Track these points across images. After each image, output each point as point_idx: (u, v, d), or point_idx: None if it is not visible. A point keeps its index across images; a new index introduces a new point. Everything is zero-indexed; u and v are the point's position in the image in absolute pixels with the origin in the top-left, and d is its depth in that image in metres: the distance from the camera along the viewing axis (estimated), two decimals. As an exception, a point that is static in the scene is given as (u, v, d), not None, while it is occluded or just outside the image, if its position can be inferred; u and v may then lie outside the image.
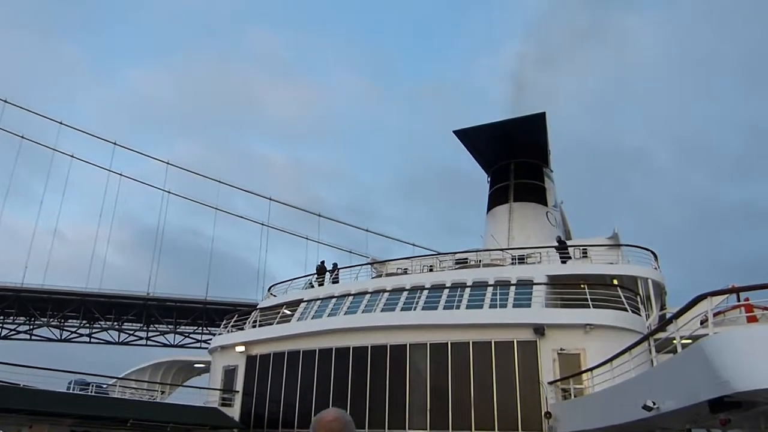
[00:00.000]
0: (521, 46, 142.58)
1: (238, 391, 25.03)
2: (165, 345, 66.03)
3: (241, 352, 25.58)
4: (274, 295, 30.51)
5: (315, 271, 30.19)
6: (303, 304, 26.55)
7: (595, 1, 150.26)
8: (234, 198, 72.31)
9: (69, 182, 65.14)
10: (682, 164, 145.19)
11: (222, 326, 29.39)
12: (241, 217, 67.80)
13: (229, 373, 25.77)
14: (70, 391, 22.05)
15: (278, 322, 25.87)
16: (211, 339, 64.35)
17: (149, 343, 66.05)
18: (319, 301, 26.00)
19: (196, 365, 31.07)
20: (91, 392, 22.70)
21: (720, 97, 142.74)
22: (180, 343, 66.41)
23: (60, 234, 65.78)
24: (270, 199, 67.59)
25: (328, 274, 29.77)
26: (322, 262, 30.63)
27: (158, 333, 66.21)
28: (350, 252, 65.88)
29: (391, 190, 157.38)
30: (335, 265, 30.36)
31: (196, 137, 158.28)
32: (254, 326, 26.69)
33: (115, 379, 25.82)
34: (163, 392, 27.87)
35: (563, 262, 25.60)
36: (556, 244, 26.72)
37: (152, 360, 31.17)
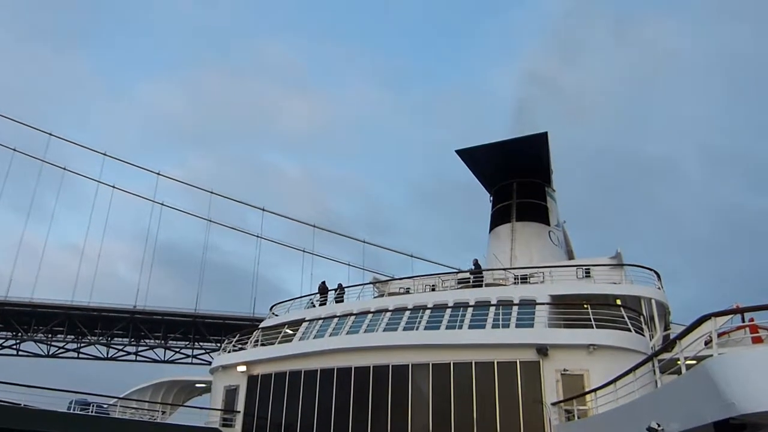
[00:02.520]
0: (540, 50, 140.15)
1: (239, 412, 24.85)
2: (155, 361, 65.08)
3: (242, 372, 25.44)
4: (276, 315, 30.42)
5: (317, 290, 30.13)
6: (305, 324, 26.46)
7: (619, 0, 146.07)
8: (246, 212, 71.63)
9: (85, 197, 65.25)
10: (710, 173, 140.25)
11: (223, 345, 29.28)
12: (235, 228, 67.45)
13: (230, 394, 25.60)
14: (72, 411, 21.93)
15: (280, 342, 25.77)
16: (202, 354, 64.32)
17: (139, 358, 64.88)
18: (320, 321, 25.92)
19: (197, 385, 30.87)
20: (92, 412, 22.57)
21: (750, 101, 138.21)
22: (170, 359, 65.36)
23: (76, 249, 65.36)
24: (263, 209, 67.33)
25: (330, 294, 29.68)
26: (323, 282, 30.56)
27: (147, 347, 64.85)
28: (348, 264, 65.85)
29: (407, 203, 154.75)
30: (340, 285, 30.30)
31: (210, 151, 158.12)
32: (255, 346, 26.59)
33: (115, 399, 25.66)
34: (164, 412, 27.66)
35: (477, 286, 26.22)
36: (561, 263, 26.73)
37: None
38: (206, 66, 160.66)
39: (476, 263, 28.49)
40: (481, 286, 26.32)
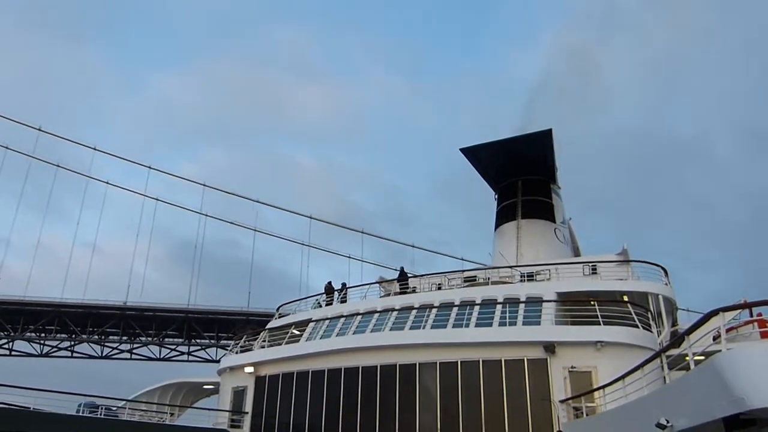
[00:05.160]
0: (563, 31, 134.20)
1: (247, 413, 24.90)
2: (150, 358, 64.19)
3: (249, 373, 25.50)
4: (283, 315, 30.46)
5: (323, 291, 30.16)
6: (311, 324, 26.49)
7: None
8: (260, 207, 69.77)
9: (102, 198, 64.63)
10: (745, 154, 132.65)
11: (231, 347, 29.37)
12: (232, 222, 66.20)
13: (238, 395, 25.66)
14: (81, 414, 22.01)
15: (287, 343, 25.81)
16: (198, 351, 63.97)
17: (134, 356, 64.03)
18: (327, 321, 25.94)
19: (205, 387, 30.97)
20: (101, 415, 22.66)
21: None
22: (166, 357, 64.55)
23: (97, 248, 65.10)
24: (258, 201, 66.28)
25: (336, 294, 29.71)
26: (329, 282, 30.57)
27: (141, 345, 63.91)
28: (349, 257, 64.99)
29: (428, 194, 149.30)
30: (344, 284, 30.34)
31: (224, 143, 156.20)
32: (263, 346, 26.64)
33: (124, 401, 25.74)
34: (172, 414, 27.74)
35: (403, 292, 27.03)
36: (567, 260, 26.69)
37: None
38: (218, 57, 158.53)
39: (402, 271, 29.40)
40: (406, 292, 27.11)
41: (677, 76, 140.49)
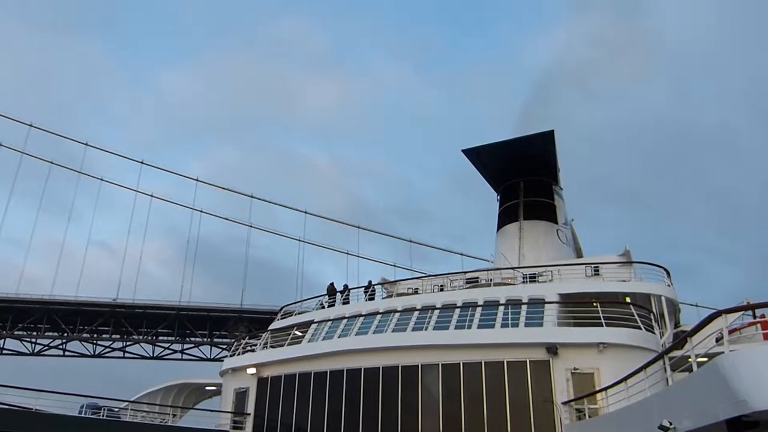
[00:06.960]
0: (575, 18, 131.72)
1: (249, 414, 24.91)
2: (143, 357, 63.65)
3: (252, 374, 25.51)
4: (287, 315, 30.48)
5: (326, 292, 30.21)
6: (314, 325, 26.50)
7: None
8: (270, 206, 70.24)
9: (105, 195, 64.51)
10: None
11: (233, 347, 29.39)
12: (225, 218, 66.42)
13: (240, 396, 25.68)
14: (83, 415, 22.04)
15: (289, 344, 25.82)
16: (191, 349, 63.85)
17: (127, 355, 63.54)
18: (329, 322, 25.94)
19: (207, 388, 30.99)
20: (103, 416, 22.69)
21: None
22: (160, 355, 64.04)
23: (107, 246, 65.43)
24: (252, 197, 66.38)
25: (338, 295, 29.76)
26: (332, 284, 30.61)
27: (134, 342, 63.10)
28: (347, 253, 65.25)
29: (442, 189, 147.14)
30: (346, 286, 30.38)
31: (233, 140, 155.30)
32: (265, 348, 26.64)
33: (126, 403, 25.77)
34: (174, 415, 27.75)
35: (371, 299, 27.59)
36: (569, 262, 26.63)
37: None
38: (224, 51, 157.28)
39: (369, 283, 29.98)
40: (373, 299, 27.65)
41: (699, 63, 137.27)
